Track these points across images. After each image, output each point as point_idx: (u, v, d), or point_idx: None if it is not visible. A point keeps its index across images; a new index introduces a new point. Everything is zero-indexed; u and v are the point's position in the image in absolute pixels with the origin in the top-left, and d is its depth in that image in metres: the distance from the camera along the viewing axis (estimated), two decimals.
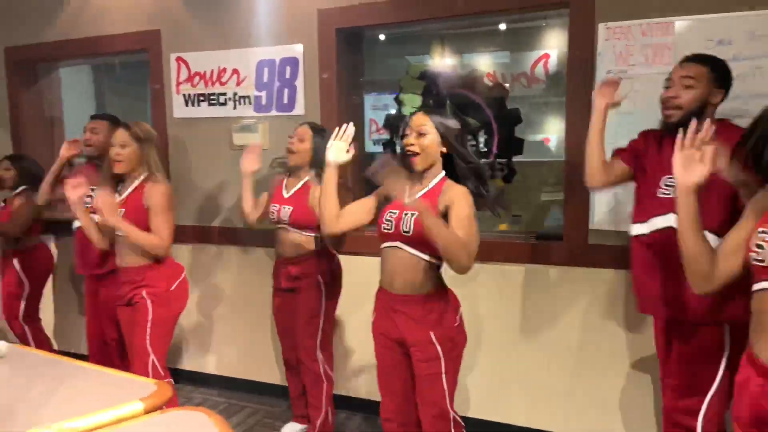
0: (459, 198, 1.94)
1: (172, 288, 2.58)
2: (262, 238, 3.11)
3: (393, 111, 3.20)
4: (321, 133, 2.64)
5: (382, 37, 3.37)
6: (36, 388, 1.57)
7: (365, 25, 2.96)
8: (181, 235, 3.30)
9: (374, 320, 2.13)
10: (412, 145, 1.99)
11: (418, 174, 2.03)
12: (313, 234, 2.63)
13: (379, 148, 3.58)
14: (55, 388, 1.59)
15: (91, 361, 2.99)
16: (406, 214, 1.97)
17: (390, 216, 2.02)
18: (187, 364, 3.58)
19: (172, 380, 2.61)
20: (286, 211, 2.63)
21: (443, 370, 1.97)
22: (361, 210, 2.16)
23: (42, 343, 3.42)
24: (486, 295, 2.79)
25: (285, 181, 2.73)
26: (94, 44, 3.54)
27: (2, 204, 3.37)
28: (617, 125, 2.26)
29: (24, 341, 3.36)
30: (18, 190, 3.31)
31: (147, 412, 1.48)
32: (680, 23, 2.30)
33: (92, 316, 3.11)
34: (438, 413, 1.99)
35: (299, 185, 2.67)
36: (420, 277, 1.98)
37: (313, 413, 2.73)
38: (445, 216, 1.93)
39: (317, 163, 2.57)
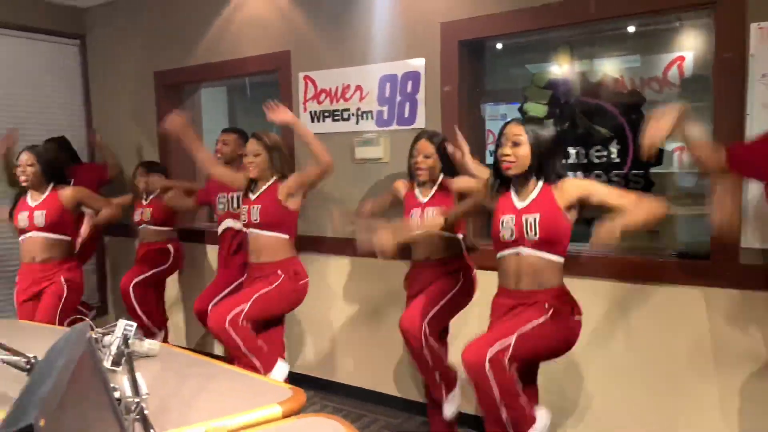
0: (580, 184, 2.10)
1: (300, 283, 2.91)
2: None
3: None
4: (440, 142, 2.71)
5: (499, 46, 3.31)
6: (186, 387, 1.70)
7: (489, 36, 2.93)
8: (307, 244, 3.44)
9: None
10: (507, 155, 2.06)
11: (518, 181, 2.12)
12: (461, 234, 2.73)
13: None
14: (203, 388, 1.70)
15: None
16: (527, 219, 2.04)
17: (507, 224, 2.08)
18: (306, 369, 3.71)
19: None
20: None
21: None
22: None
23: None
24: (633, 316, 2.62)
25: (418, 190, 2.78)
26: (231, 67, 3.82)
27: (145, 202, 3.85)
28: None
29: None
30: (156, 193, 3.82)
31: (285, 416, 1.54)
32: None
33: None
34: None
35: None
36: (548, 275, 2.07)
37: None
38: (581, 207, 2.05)
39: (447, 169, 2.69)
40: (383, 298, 3.34)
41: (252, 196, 2.87)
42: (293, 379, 3.49)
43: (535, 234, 2.02)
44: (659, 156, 2.67)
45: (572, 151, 2.81)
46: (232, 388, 1.74)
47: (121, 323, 1.82)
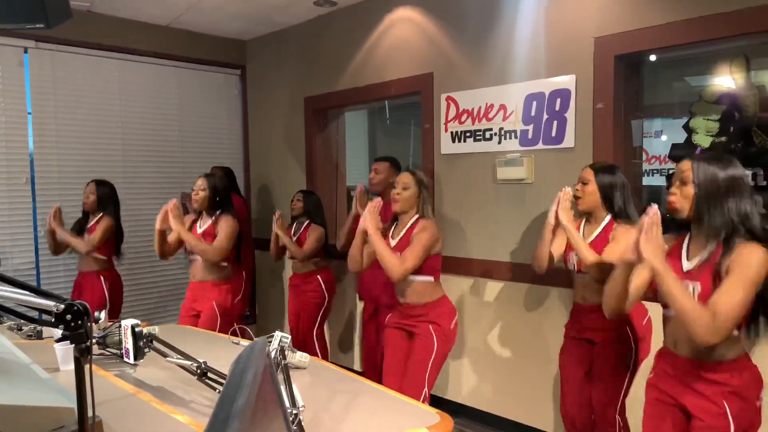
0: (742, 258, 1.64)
1: (451, 326, 2.75)
2: (555, 277, 2.95)
3: (663, 138, 2.89)
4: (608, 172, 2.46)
5: (653, 57, 3.07)
6: (336, 402, 1.74)
7: (648, 49, 2.73)
8: (450, 267, 3.42)
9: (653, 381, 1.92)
10: (675, 194, 1.76)
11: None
12: None
13: (653, 179, 3.25)
14: (351, 404, 1.73)
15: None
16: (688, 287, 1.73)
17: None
18: (442, 392, 3.66)
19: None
20: None
21: None
22: None
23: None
24: None
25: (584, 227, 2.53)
26: (376, 90, 3.95)
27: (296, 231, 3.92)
28: None
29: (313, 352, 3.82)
30: (306, 222, 3.86)
31: None
32: None
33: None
34: None
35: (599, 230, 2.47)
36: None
37: None
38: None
39: (612, 205, 2.42)
40: (527, 325, 3.21)
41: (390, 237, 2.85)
42: (442, 404, 3.48)
43: None
44: None
45: (748, 172, 2.50)
46: (381, 406, 1.75)
47: (278, 335, 1.91)
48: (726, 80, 3.03)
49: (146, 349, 1.88)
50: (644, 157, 3.53)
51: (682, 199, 1.74)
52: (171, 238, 3.38)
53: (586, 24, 2.88)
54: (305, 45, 4.48)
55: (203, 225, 3.44)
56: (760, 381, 1.75)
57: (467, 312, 3.50)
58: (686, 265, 1.76)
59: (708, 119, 2.62)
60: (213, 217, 3.43)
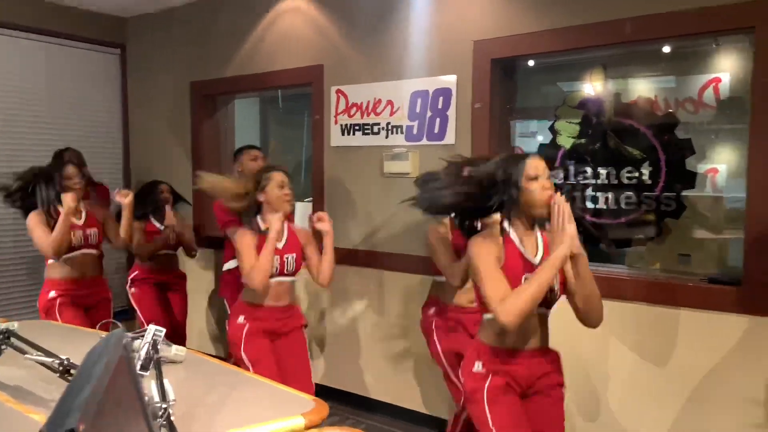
0: None
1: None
2: (417, 264, 3.15)
3: (539, 138, 3.13)
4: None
5: (531, 63, 3.31)
6: (211, 395, 1.72)
7: (522, 55, 2.93)
8: (340, 258, 3.46)
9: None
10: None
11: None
12: None
13: None
14: (227, 396, 1.73)
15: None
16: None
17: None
18: (331, 382, 3.72)
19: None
20: None
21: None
22: None
23: None
24: (646, 339, 2.57)
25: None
26: (266, 79, 3.90)
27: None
28: None
29: None
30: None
31: (307, 428, 1.55)
32: None
33: None
34: None
35: None
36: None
37: None
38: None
39: None
40: (408, 312, 3.34)
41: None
42: (318, 391, 3.52)
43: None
44: (692, 179, 2.63)
45: (603, 171, 2.78)
46: (257, 397, 1.76)
47: (151, 328, 1.85)
48: (588, 87, 3.34)
49: (3, 347, 1.75)
50: None
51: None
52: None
53: (467, 27, 3.03)
54: (193, 27, 4.31)
55: (83, 217, 3.25)
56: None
57: (351, 301, 3.58)
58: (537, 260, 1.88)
59: (570, 122, 2.87)
60: (86, 208, 3.27)
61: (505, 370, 1.87)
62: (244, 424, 1.53)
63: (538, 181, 1.81)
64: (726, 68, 3.21)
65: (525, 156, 1.88)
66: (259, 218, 2.66)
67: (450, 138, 3.12)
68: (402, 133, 3.32)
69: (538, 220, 1.91)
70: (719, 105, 3.27)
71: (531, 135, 3.70)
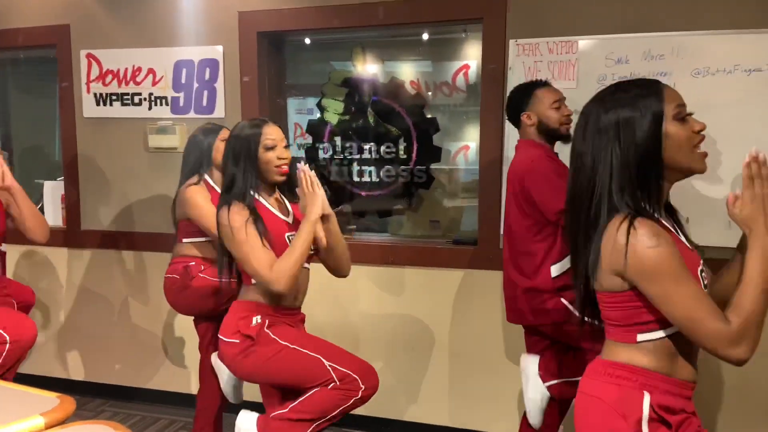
0: None
1: None
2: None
3: (316, 115, 3.23)
4: None
5: (307, 41, 3.37)
6: None
7: (286, 29, 2.96)
8: (89, 239, 3.18)
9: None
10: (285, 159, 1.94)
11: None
12: None
13: (303, 153, 3.59)
14: None
15: None
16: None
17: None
18: (94, 376, 3.42)
19: None
20: None
21: None
22: None
23: None
24: (413, 296, 2.86)
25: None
26: (1, 38, 3.32)
27: None
28: None
29: None
30: None
31: (48, 427, 1.42)
32: (583, 42, 2.47)
33: None
34: None
35: None
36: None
37: None
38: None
39: None
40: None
41: None
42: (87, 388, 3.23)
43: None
44: (438, 154, 2.96)
45: (366, 146, 2.98)
46: None
47: None
48: (353, 66, 3.52)
49: None
50: (299, 132, 3.87)
51: None
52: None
53: None
54: None
55: None
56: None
57: (116, 288, 3.31)
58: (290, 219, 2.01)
59: (336, 99, 3.00)
60: None
61: (282, 321, 1.94)
62: None
63: (275, 151, 1.89)
64: (474, 56, 3.65)
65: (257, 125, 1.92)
66: None
67: (219, 111, 3.03)
68: (167, 104, 3.12)
69: (279, 186, 2.01)
70: (468, 89, 3.72)
71: (308, 112, 3.79)
